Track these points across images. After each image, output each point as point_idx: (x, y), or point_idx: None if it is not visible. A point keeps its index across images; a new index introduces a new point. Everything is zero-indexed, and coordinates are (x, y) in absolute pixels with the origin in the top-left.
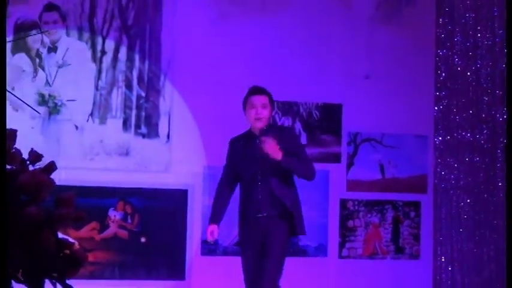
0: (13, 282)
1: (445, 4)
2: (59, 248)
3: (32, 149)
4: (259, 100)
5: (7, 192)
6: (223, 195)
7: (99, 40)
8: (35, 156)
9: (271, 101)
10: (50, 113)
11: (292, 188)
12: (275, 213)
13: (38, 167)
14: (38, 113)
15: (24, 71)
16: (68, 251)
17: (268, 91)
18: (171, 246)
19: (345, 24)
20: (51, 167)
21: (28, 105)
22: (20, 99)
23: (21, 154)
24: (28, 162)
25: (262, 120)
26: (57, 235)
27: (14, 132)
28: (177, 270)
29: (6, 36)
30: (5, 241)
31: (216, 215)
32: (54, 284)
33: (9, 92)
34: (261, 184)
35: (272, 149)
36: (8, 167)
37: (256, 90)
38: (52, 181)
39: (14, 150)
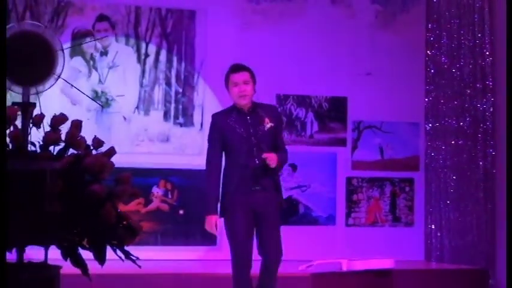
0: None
1: (434, 12)
2: (119, 219)
3: (95, 136)
4: (240, 77)
5: (73, 173)
6: (217, 172)
7: (143, 45)
8: (98, 143)
9: (253, 76)
10: (102, 106)
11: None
12: (269, 186)
13: (99, 151)
14: (101, 105)
15: (80, 71)
16: (126, 222)
17: (248, 67)
18: (205, 217)
19: (350, 30)
20: (112, 151)
21: (92, 98)
22: (85, 94)
23: (85, 141)
24: (92, 147)
25: (246, 97)
26: (117, 208)
27: (79, 123)
28: (209, 237)
29: (6, 36)
30: (5, 239)
31: (215, 201)
32: (114, 250)
33: (76, 88)
34: (257, 158)
35: (274, 161)
36: (74, 151)
37: (236, 68)
38: (112, 163)
39: (79, 138)
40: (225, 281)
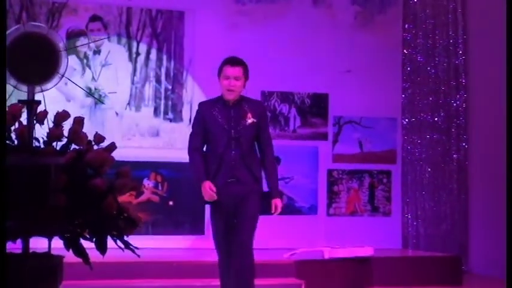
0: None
1: (410, 13)
2: (120, 211)
3: (97, 132)
4: (233, 72)
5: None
6: (200, 158)
7: (134, 44)
8: (99, 138)
9: (246, 72)
10: (95, 103)
11: (256, 155)
12: (245, 179)
13: (100, 146)
14: (102, 102)
15: (75, 69)
16: (126, 214)
17: (243, 62)
18: (193, 207)
19: (330, 30)
20: (112, 146)
21: (93, 96)
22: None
23: (87, 137)
24: (93, 143)
25: (233, 92)
26: (118, 201)
27: (82, 119)
28: (198, 227)
29: (6, 37)
30: (4, 238)
31: (204, 174)
32: (115, 240)
33: (79, 87)
34: (234, 150)
35: (279, 208)
36: (76, 147)
37: (231, 61)
38: (112, 158)
39: (81, 133)
40: (213, 268)
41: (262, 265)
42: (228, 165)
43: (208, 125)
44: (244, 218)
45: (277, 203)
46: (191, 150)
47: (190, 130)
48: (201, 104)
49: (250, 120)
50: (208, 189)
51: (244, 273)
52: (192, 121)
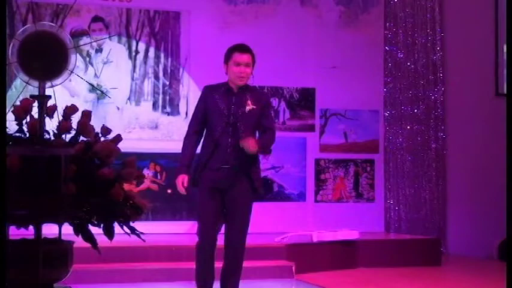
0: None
1: (391, 12)
2: (126, 199)
3: (103, 125)
4: (244, 59)
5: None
6: (191, 144)
7: (134, 43)
8: (105, 130)
9: (253, 58)
10: (98, 98)
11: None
12: (239, 166)
13: (107, 138)
14: (108, 96)
15: (78, 67)
16: (132, 202)
17: (251, 49)
18: (191, 196)
19: (317, 28)
20: (118, 138)
21: (101, 90)
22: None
23: (94, 129)
24: (100, 135)
25: (244, 79)
26: (124, 189)
27: (89, 112)
28: (194, 213)
29: (6, 37)
30: (4, 236)
31: (186, 166)
32: (121, 226)
33: (88, 82)
34: (231, 137)
35: (252, 146)
36: (84, 139)
37: (242, 48)
38: (118, 149)
39: (89, 126)
40: None
41: (255, 248)
42: (223, 151)
43: (208, 109)
44: (237, 214)
45: (250, 141)
46: (187, 134)
47: (188, 122)
48: (206, 88)
49: (249, 107)
50: (180, 184)
51: (236, 255)
52: (188, 113)
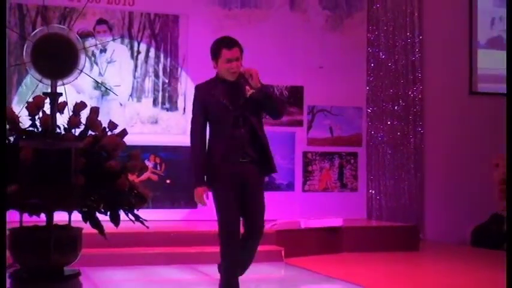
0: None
1: (373, 16)
2: (131, 189)
3: (110, 120)
4: (233, 54)
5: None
6: (201, 148)
7: (136, 44)
8: (112, 125)
9: (241, 49)
10: (102, 95)
11: (264, 131)
12: (257, 157)
13: (114, 132)
14: (114, 93)
15: (84, 66)
16: (136, 191)
17: (237, 41)
18: (187, 185)
19: (305, 31)
20: (124, 132)
21: (105, 87)
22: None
23: (101, 124)
24: (107, 129)
25: (235, 73)
26: (129, 180)
27: (97, 108)
28: (191, 202)
29: (6, 37)
30: (4, 234)
31: (202, 178)
32: (126, 214)
33: (95, 80)
34: (243, 128)
35: (255, 78)
36: (92, 133)
37: (229, 44)
38: (124, 143)
39: (97, 121)
40: (203, 237)
41: None
42: (240, 144)
43: (210, 107)
44: (258, 200)
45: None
46: (192, 137)
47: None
48: (198, 87)
49: (249, 92)
50: (202, 196)
51: (259, 237)
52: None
